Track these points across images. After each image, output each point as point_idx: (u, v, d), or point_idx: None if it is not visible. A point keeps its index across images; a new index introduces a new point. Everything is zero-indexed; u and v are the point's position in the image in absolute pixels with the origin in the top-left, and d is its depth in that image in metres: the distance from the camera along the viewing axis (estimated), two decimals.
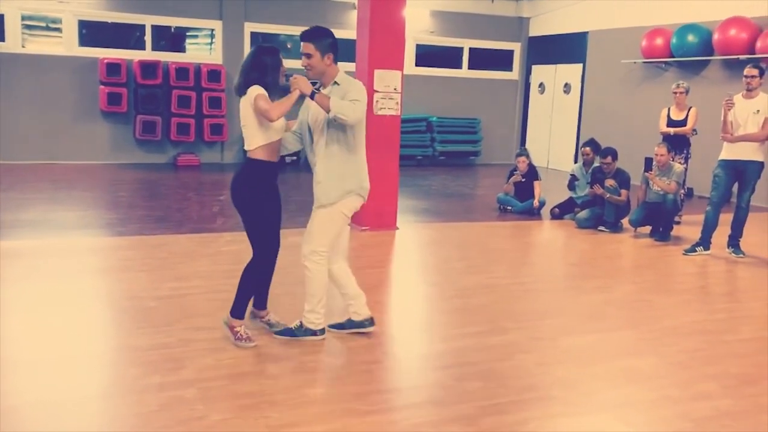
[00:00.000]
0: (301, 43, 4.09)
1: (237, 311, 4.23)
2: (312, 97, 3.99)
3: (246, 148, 4.22)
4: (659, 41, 11.89)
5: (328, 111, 3.94)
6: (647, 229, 8.05)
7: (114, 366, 3.89)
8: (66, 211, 8.11)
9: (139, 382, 3.61)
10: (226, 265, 5.96)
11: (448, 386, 3.76)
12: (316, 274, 4.25)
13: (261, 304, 4.51)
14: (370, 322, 4.44)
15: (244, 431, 3.15)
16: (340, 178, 4.14)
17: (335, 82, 4.11)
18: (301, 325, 4.31)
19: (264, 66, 4.12)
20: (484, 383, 3.77)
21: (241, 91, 4.10)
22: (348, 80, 4.14)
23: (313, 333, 4.30)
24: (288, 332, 4.32)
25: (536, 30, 15.29)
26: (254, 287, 4.35)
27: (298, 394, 3.54)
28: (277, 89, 4.11)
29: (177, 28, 13.35)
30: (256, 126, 4.09)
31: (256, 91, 4.02)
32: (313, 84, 4.10)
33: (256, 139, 4.13)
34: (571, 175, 9.05)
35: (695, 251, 7.13)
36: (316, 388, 3.64)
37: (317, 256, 4.23)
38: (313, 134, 4.19)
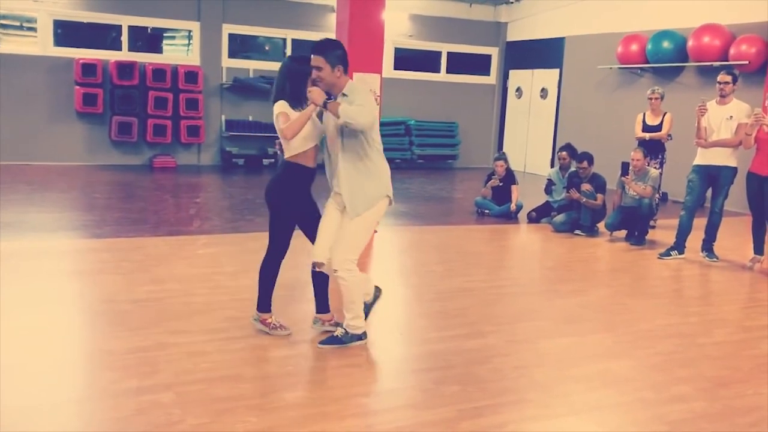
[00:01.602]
0: (312, 56, 4.09)
1: (263, 305, 4.45)
2: (324, 106, 4.03)
3: (285, 154, 4.32)
4: (635, 47, 12.03)
5: (338, 117, 3.98)
6: (623, 233, 8.13)
7: (89, 370, 3.85)
8: (41, 212, 8.01)
9: (115, 387, 3.58)
10: (202, 268, 5.93)
11: (427, 390, 3.77)
12: (352, 282, 4.25)
13: (323, 308, 4.61)
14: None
15: None
16: (363, 188, 4.20)
17: (343, 93, 4.13)
18: (347, 332, 4.32)
19: (289, 77, 4.22)
20: (462, 386, 3.79)
21: (273, 101, 4.24)
22: (355, 89, 4.17)
23: (359, 338, 4.35)
24: (334, 341, 4.31)
25: (514, 35, 15.40)
26: (271, 280, 4.50)
27: (275, 398, 3.52)
28: (305, 99, 4.16)
29: (154, 28, 13.25)
30: None
31: (278, 108, 4.17)
32: (327, 95, 4.12)
33: (291, 148, 4.24)
34: (547, 179, 9.12)
35: (670, 255, 7.21)
36: (294, 392, 3.63)
37: (350, 264, 4.23)
38: (330, 146, 4.24)
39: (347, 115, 3.93)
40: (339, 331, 4.35)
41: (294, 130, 4.07)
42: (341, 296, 4.33)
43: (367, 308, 4.53)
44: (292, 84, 4.21)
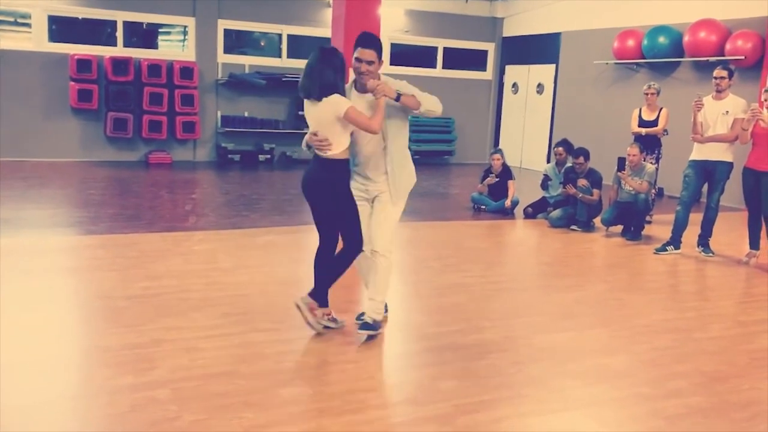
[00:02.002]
0: (362, 50, 4.12)
1: (321, 299, 4.38)
2: (397, 99, 4.10)
3: (333, 151, 4.16)
4: (631, 43, 12.03)
5: (417, 108, 4.12)
6: (619, 228, 8.13)
7: (85, 367, 3.83)
8: (36, 209, 7.98)
9: (111, 383, 3.56)
10: (198, 264, 5.91)
11: (424, 385, 3.76)
12: (390, 267, 4.40)
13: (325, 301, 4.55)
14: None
15: None
16: (409, 174, 4.41)
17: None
18: (375, 319, 4.39)
19: (336, 69, 4.11)
20: (459, 382, 3.78)
21: (319, 95, 4.08)
22: (393, 81, 4.23)
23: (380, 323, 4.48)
24: (372, 327, 4.37)
25: (510, 30, 15.38)
26: (336, 272, 4.42)
27: (272, 394, 3.52)
28: (343, 91, 4.17)
29: (149, 24, 13.21)
30: (340, 131, 4.12)
31: (346, 104, 4.06)
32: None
33: (341, 144, 4.17)
34: (544, 174, 9.11)
35: (666, 250, 7.22)
36: (291, 388, 3.62)
37: (391, 248, 4.40)
38: (366, 138, 4.22)
39: (430, 105, 4.17)
40: (371, 318, 4.38)
41: (380, 122, 4.08)
42: (375, 281, 4.36)
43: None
44: (342, 77, 4.14)
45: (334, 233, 4.38)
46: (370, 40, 4.15)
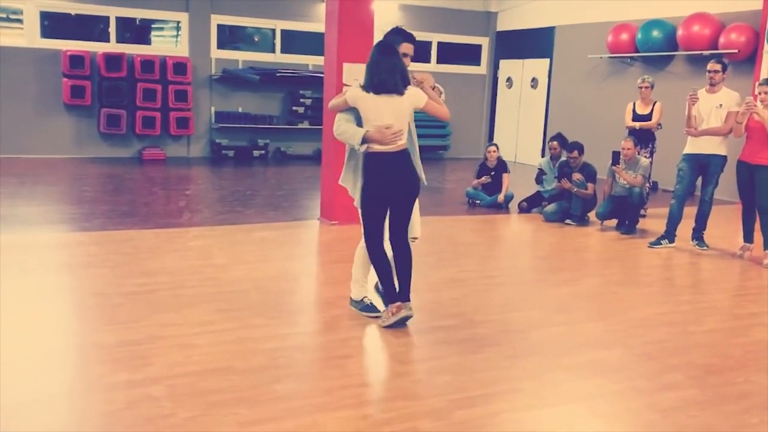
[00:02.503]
0: (408, 45, 4.43)
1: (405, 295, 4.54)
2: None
3: (402, 141, 4.38)
4: (625, 36, 12.03)
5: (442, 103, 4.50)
6: (613, 222, 8.14)
7: (79, 364, 3.82)
8: (29, 206, 7.95)
9: (106, 380, 3.55)
10: (192, 261, 5.90)
11: (419, 380, 3.76)
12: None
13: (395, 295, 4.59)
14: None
15: (213, 428, 3.12)
16: (419, 168, 4.55)
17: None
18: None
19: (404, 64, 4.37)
20: (455, 377, 3.78)
21: (401, 90, 4.28)
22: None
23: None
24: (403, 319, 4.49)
25: (504, 25, 15.37)
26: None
27: (267, 390, 3.51)
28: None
29: (142, 20, 13.16)
30: (408, 122, 4.43)
31: (424, 95, 4.38)
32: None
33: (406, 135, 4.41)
34: (538, 169, 9.12)
35: (660, 244, 7.23)
36: (286, 383, 3.61)
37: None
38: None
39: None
40: (407, 306, 4.51)
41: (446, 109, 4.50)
42: (406, 267, 4.53)
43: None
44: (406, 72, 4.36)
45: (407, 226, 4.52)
46: (410, 36, 4.48)
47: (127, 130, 12.45)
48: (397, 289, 4.52)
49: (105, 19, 12.61)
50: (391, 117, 4.28)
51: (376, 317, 4.58)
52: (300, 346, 4.18)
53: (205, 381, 3.58)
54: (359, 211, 4.55)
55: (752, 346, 4.51)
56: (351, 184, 4.53)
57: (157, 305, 4.71)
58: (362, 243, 4.62)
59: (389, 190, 4.39)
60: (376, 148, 4.30)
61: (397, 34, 4.46)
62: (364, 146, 4.29)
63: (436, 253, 6.66)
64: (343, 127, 4.35)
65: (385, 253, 4.53)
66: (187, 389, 3.48)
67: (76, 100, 12.02)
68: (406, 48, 4.39)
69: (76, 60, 11.93)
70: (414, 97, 4.33)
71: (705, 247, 7.19)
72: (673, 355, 4.25)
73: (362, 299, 4.72)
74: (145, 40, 13.42)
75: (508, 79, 15.38)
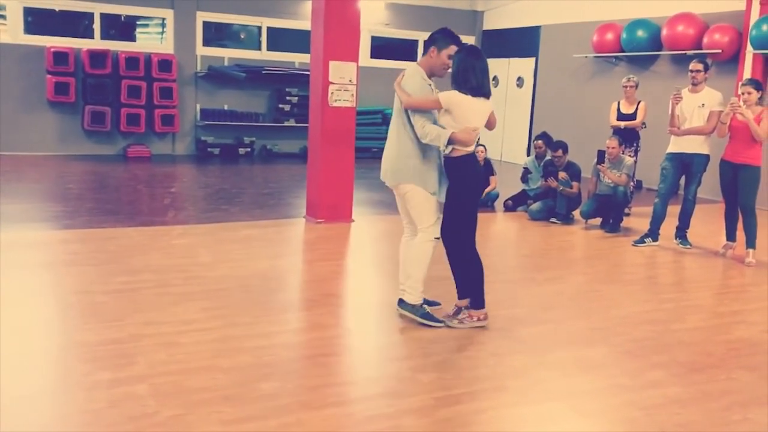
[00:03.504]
0: (454, 47, 4.47)
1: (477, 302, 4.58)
2: None
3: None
4: (610, 36, 12.09)
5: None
6: (598, 220, 8.18)
7: (62, 362, 3.79)
8: (12, 203, 7.87)
9: (89, 379, 3.53)
10: (177, 259, 5.87)
11: (404, 378, 3.76)
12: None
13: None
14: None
15: (197, 427, 3.11)
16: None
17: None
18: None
19: None
20: (440, 374, 3.79)
21: (490, 93, 4.46)
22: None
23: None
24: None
25: (490, 24, 15.40)
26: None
27: (251, 389, 3.50)
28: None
29: (127, 16, 13.07)
30: None
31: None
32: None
33: None
34: (524, 168, 9.14)
35: (644, 242, 7.28)
36: (270, 382, 3.60)
37: None
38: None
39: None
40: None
41: None
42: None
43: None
44: None
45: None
46: (460, 39, 4.53)
47: (111, 128, 12.36)
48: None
49: (89, 16, 12.51)
50: (480, 120, 4.42)
51: (435, 326, 4.52)
52: (285, 344, 4.17)
53: (189, 379, 3.56)
54: (452, 210, 4.51)
55: (734, 343, 4.55)
56: (417, 179, 4.48)
57: (141, 303, 4.69)
58: (419, 240, 4.61)
59: (480, 189, 4.62)
60: (461, 150, 4.40)
61: (447, 36, 4.48)
62: (450, 147, 4.36)
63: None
64: (428, 128, 4.36)
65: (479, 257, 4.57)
66: (170, 388, 3.46)
67: (60, 97, 11.92)
68: (453, 50, 4.44)
69: (60, 56, 11.83)
70: (491, 104, 4.51)
71: (688, 246, 7.24)
72: (656, 353, 4.28)
73: (422, 305, 4.62)
74: (130, 37, 13.33)
75: (494, 78, 15.38)
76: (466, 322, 4.53)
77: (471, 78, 4.32)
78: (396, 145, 4.53)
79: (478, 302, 4.56)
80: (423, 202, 4.50)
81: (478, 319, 4.53)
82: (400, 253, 4.81)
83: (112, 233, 6.68)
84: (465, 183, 4.47)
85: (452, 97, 4.33)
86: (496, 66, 15.34)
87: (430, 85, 4.50)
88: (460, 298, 4.64)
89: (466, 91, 4.33)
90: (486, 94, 4.41)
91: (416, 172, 4.46)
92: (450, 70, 4.46)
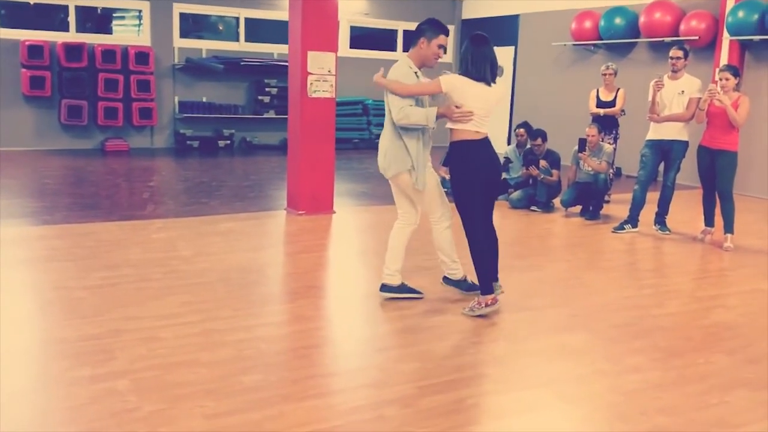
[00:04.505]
0: (446, 38, 4.67)
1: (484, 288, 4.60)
2: None
3: (485, 130, 4.64)
4: (588, 24, 12.13)
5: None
6: (578, 208, 8.23)
7: (41, 359, 3.76)
8: None
9: (68, 375, 3.50)
10: (157, 253, 5.83)
11: (386, 368, 3.77)
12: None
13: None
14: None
15: (178, 422, 3.09)
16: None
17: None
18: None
19: None
20: (422, 364, 3.80)
21: (489, 80, 4.56)
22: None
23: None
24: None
25: (469, 13, 15.39)
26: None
27: (234, 382, 3.49)
28: None
29: (103, 9, 12.91)
30: None
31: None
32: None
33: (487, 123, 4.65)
34: (505, 157, 9.15)
35: (623, 229, 7.33)
36: (253, 375, 3.59)
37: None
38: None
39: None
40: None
41: None
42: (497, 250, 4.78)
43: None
44: None
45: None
46: (448, 30, 4.69)
47: (89, 122, 12.24)
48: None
49: (64, 8, 12.35)
50: (479, 105, 4.46)
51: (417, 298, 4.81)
52: (266, 337, 4.16)
53: (170, 374, 3.54)
54: (455, 198, 4.72)
55: (713, 327, 4.60)
56: (404, 164, 4.67)
57: (121, 298, 4.65)
58: (402, 228, 4.86)
59: (490, 174, 4.59)
60: (463, 134, 4.49)
61: (435, 26, 4.61)
62: (450, 131, 4.52)
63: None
64: (409, 110, 4.45)
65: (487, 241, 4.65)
66: (151, 383, 3.44)
67: (36, 91, 11.77)
68: (444, 40, 4.56)
69: (35, 50, 11.68)
70: (501, 91, 4.68)
71: (667, 232, 7.30)
72: (636, 338, 4.32)
73: (401, 284, 4.88)
74: (106, 30, 13.18)
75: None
76: (475, 309, 4.57)
77: (469, 64, 4.47)
78: (389, 137, 4.71)
79: (485, 288, 4.59)
80: (406, 192, 4.73)
81: (486, 305, 4.55)
82: (395, 240, 4.94)
83: (91, 228, 6.62)
84: (463, 170, 4.56)
85: (453, 81, 4.46)
86: None
87: (416, 73, 4.55)
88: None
89: (467, 76, 4.46)
90: (484, 80, 4.47)
91: (407, 160, 4.65)
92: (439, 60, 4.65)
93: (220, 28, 14.17)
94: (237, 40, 13.76)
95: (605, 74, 8.84)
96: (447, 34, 4.61)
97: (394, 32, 15.09)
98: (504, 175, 9.06)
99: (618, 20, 11.57)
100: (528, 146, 8.66)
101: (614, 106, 8.74)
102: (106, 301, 4.60)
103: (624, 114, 8.91)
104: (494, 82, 4.53)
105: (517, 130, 9.01)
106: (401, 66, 4.59)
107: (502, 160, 9.13)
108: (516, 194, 8.53)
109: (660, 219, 7.38)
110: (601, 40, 12.01)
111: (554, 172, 8.26)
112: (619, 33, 11.61)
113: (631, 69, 11.30)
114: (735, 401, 3.51)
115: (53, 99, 12.10)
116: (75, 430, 3.01)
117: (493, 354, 3.99)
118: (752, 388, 3.65)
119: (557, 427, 3.26)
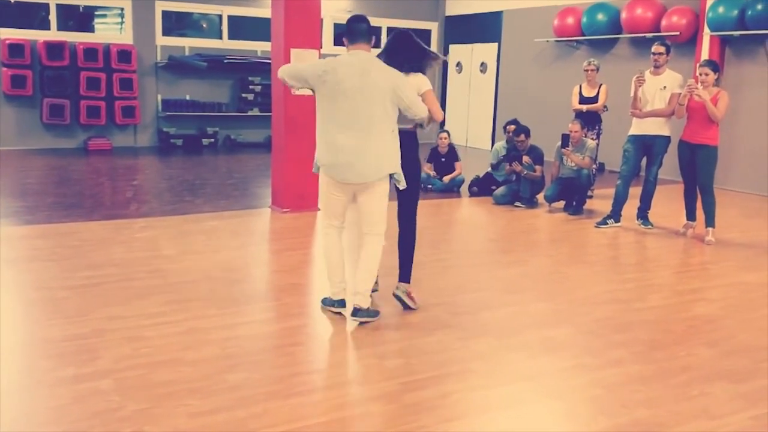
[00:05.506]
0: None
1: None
2: None
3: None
4: (570, 20, 12.18)
5: None
6: (561, 203, 8.27)
7: (25, 359, 3.74)
8: None
9: (52, 375, 3.49)
10: (140, 252, 5.81)
11: (371, 365, 3.78)
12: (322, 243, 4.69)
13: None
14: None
15: (163, 421, 3.09)
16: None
17: None
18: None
19: None
20: (406, 360, 3.82)
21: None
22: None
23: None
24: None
25: (453, 9, 15.40)
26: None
27: (218, 380, 3.49)
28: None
29: (85, 7, 12.81)
30: None
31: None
32: None
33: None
34: (501, 156, 9.03)
35: (606, 224, 7.38)
36: (237, 373, 3.59)
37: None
38: None
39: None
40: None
41: None
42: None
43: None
44: None
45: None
46: None
47: (71, 120, 12.15)
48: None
49: (45, 6, 12.24)
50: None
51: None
52: (251, 335, 4.16)
53: (155, 373, 3.54)
54: (414, 191, 4.75)
55: (694, 320, 4.65)
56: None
57: (105, 298, 4.64)
58: (377, 241, 4.62)
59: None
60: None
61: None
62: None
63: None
64: (423, 106, 4.56)
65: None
66: (135, 382, 3.44)
67: (17, 90, 11.67)
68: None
69: (16, 49, 11.58)
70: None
71: (650, 226, 7.36)
72: (618, 332, 4.36)
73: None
74: (88, 28, 13.08)
75: (458, 64, 15.45)
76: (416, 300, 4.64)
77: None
78: (384, 140, 4.43)
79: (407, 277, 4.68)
80: (386, 200, 4.57)
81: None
82: (342, 255, 4.66)
83: (74, 228, 6.58)
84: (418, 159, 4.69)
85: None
86: (459, 52, 15.39)
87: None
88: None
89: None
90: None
91: (398, 160, 4.53)
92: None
93: (204, 25, 14.11)
94: (220, 37, 13.71)
95: (587, 70, 8.89)
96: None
97: (377, 29, 15.06)
98: (493, 173, 9.04)
99: (600, 16, 11.64)
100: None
101: (597, 101, 8.79)
102: (89, 300, 4.58)
103: (606, 110, 8.97)
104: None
105: (508, 126, 8.99)
106: (400, 74, 4.57)
107: (494, 156, 9.10)
108: (500, 190, 8.56)
109: (642, 213, 7.43)
110: (584, 36, 12.07)
111: (537, 167, 8.30)
112: (601, 29, 11.67)
113: (613, 65, 11.37)
114: (716, 393, 3.55)
115: (35, 98, 12.01)
116: (59, 430, 3.00)
117: (476, 349, 4.01)
118: (733, 380, 3.70)
119: (541, 421, 3.29)
